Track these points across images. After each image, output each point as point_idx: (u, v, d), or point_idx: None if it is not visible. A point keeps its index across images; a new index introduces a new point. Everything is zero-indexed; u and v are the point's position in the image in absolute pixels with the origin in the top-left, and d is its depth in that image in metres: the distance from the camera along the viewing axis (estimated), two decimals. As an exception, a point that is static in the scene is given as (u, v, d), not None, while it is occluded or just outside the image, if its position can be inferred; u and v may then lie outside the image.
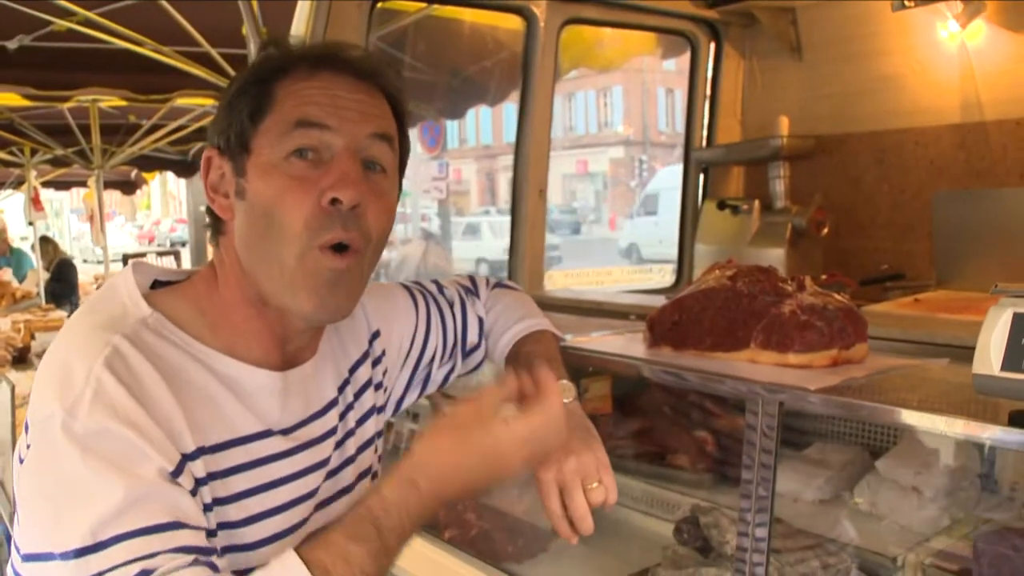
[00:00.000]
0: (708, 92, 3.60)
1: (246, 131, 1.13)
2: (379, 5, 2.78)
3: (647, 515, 2.06)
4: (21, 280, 9.34)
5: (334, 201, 1.10)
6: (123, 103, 6.53)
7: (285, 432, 1.18)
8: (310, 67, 1.15)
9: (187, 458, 1.03)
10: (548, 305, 2.76)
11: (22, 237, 12.00)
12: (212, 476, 1.07)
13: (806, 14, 3.32)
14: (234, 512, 1.10)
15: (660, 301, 1.78)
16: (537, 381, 1.11)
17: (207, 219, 1.21)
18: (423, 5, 3.70)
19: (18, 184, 11.42)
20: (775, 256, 3.23)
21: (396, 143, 1.20)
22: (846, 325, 1.46)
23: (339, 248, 1.11)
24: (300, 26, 2.51)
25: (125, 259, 10.33)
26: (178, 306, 1.15)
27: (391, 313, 1.47)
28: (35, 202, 9.40)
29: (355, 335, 1.38)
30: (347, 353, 1.35)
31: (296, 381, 1.21)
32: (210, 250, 1.26)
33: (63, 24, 4.60)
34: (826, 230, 3.23)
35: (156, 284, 1.20)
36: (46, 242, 9.62)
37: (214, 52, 4.55)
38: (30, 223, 9.59)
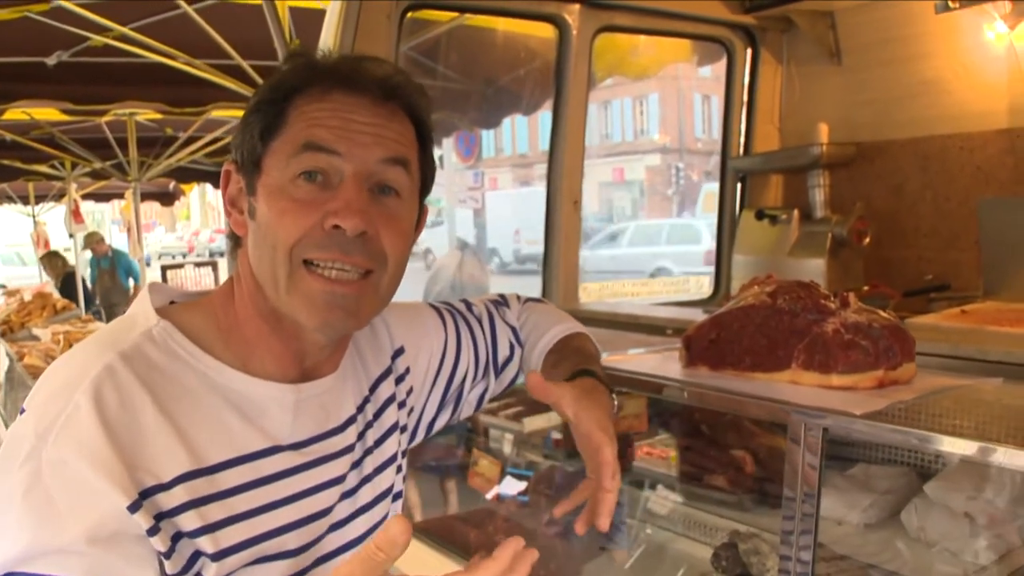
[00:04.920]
0: (745, 99, 3.52)
1: (257, 150, 1.10)
2: (409, 15, 2.75)
3: (684, 538, 2.00)
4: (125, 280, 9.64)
5: (337, 227, 1.06)
6: (159, 116, 6.59)
7: (296, 447, 1.15)
8: (326, 87, 1.10)
9: (153, 492, 1.00)
10: (583, 319, 2.71)
11: (65, 248, 12.21)
12: (207, 499, 1.03)
13: (845, 18, 3.23)
14: (242, 531, 1.06)
15: (697, 314, 1.72)
16: None
17: (229, 231, 1.19)
18: (455, 15, 3.67)
19: (60, 197, 11.65)
20: (815, 267, 3.15)
21: (414, 166, 1.16)
22: (892, 344, 1.39)
23: (338, 270, 1.08)
24: (328, 37, 2.49)
25: (164, 271, 10.45)
26: (190, 318, 1.13)
27: (417, 331, 1.43)
28: (75, 214, 9.56)
29: (377, 351, 1.34)
30: (368, 370, 1.32)
31: (311, 395, 1.18)
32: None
33: (99, 40, 4.66)
34: (867, 240, 3.14)
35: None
36: (54, 256, 9.81)
37: (245, 64, 4.55)
38: (71, 235, 9.75)
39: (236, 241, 1.17)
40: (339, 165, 1.08)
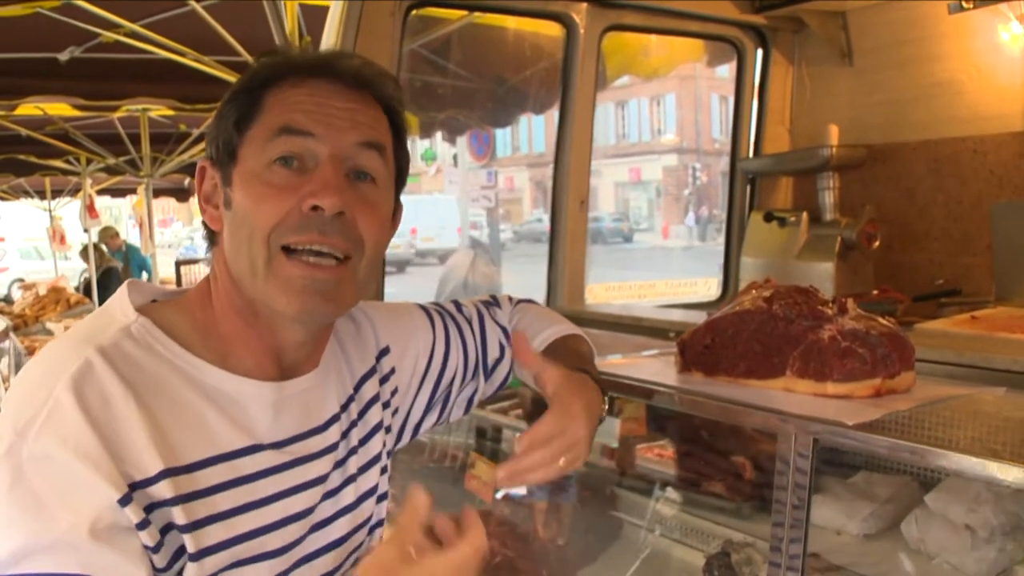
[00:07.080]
0: (755, 100, 3.49)
1: (232, 139, 1.10)
2: (414, 13, 2.73)
3: (680, 544, 1.97)
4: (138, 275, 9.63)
5: (315, 208, 1.06)
6: (172, 112, 6.61)
7: (277, 446, 1.13)
8: (302, 76, 1.11)
9: (141, 485, 0.98)
10: (587, 321, 2.69)
11: (82, 243, 12.28)
12: (189, 496, 1.02)
13: (857, 18, 3.19)
14: (223, 531, 1.05)
15: (701, 317, 1.69)
16: (462, 517, 1.01)
17: (203, 230, 1.18)
18: (465, 13, 3.65)
19: (75, 192, 11.72)
20: (824, 270, 3.11)
21: (389, 153, 1.16)
22: (890, 352, 1.35)
23: (316, 254, 1.07)
24: (330, 34, 2.47)
25: (177, 265, 10.47)
26: (170, 316, 1.12)
27: (405, 331, 1.41)
28: (90, 209, 9.60)
29: (362, 351, 1.33)
30: (352, 369, 1.30)
31: (292, 394, 1.17)
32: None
33: (110, 36, 4.68)
34: (877, 243, 3.09)
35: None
36: (96, 248, 9.81)
37: (253, 61, 4.55)
38: (86, 229, 9.79)
39: (212, 239, 1.16)
40: (314, 148, 1.08)
